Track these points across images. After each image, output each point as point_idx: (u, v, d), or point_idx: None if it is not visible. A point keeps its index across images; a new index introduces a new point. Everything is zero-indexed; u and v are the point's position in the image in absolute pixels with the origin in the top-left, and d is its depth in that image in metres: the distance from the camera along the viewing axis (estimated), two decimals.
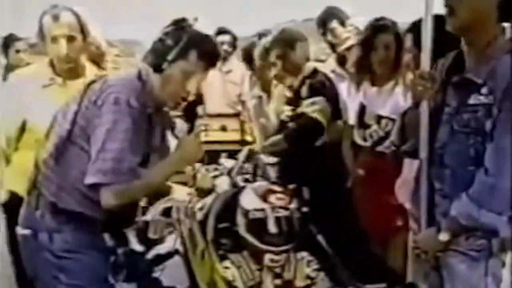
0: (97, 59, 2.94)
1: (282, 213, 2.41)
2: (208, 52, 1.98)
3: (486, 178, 1.82)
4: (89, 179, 1.92)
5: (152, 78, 1.99)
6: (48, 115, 2.13)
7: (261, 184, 2.68)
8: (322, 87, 3.05)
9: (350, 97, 3.04)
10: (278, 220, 2.40)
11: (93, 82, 2.04)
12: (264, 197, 2.45)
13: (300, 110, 3.04)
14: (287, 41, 3.16)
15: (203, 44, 1.97)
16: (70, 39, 2.59)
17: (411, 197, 2.17)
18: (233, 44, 4.82)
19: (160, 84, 1.98)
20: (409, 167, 2.31)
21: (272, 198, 2.45)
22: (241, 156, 3.08)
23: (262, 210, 2.41)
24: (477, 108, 1.84)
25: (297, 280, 2.47)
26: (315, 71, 3.17)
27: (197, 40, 1.95)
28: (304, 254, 2.51)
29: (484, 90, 1.84)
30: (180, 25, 1.97)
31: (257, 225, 2.39)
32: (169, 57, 1.92)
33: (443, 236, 1.91)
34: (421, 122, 1.99)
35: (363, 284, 2.51)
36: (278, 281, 2.45)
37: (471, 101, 1.86)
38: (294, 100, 3.17)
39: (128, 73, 2.05)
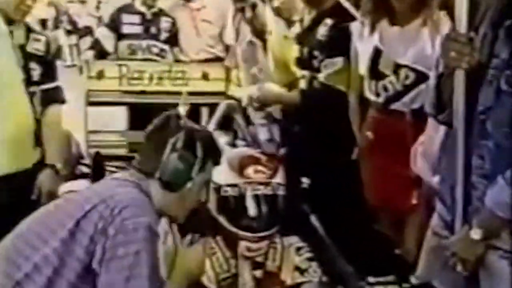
0: None
1: (262, 190, 2.10)
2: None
3: None
4: None
5: (157, 193, 1.88)
6: None
7: (237, 151, 2.36)
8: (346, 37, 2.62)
9: (363, 40, 2.62)
10: (256, 199, 2.11)
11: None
12: (240, 169, 2.14)
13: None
14: None
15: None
16: None
17: (433, 170, 2.05)
18: None
19: (174, 201, 1.90)
20: (434, 130, 2.10)
21: (250, 170, 2.12)
22: (218, 112, 2.63)
23: (236, 186, 2.10)
24: None
25: (283, 272, 2.20)
26: (337, 5, 2.75)
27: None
28: (292, 239, 2.25)
29: None
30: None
31: (231, 205, 2.12)
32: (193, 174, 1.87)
33: (475, 234, 1.73)
34: (456, 91, 1.79)
35: (366, 276, 2.13)
36: (259, 273, 2.11)
37: None
38: (301, 38, 2.78)
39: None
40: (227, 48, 4.00)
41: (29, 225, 1.81)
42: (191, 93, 3.60)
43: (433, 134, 2.14)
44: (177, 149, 1.86)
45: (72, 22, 5.56)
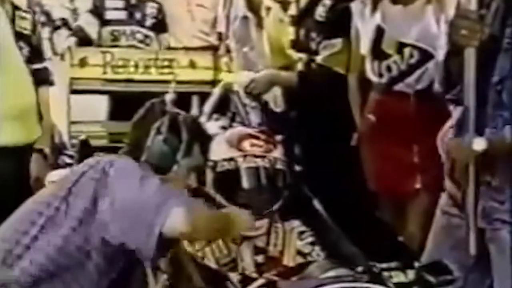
0: None
1: (259, 163, 2.03)
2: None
3: None
4: None
5: None
6: None
7: (236, 129, 2.28)
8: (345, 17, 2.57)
9: (364, 20, 2.58)
10: (254, 172, 2.05)
11: None
12: (237, 144, 2.10)
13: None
14: None
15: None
16: None
17: None
18: None
19: None
20: None
21: (246, 144, 2.08)
22: (215, 95, 2.56)
23: (233, 160, 2.04)
24: None
25: (285, 256, 2.11)
26: None
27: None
28: (295, 223, 2.17)
29: None
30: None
31: (228, 181, 2.06)
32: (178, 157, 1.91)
33: (478, 144, 1.72)
34: (467, 69, 1.77)
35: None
36: (260, 258, 2.05)
37: None
38: (298, 20, 2.72)
39: None
40: (220, 37, 3.90)
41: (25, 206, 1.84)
42: (178, 82, 3.53)
43: None
44: (161, 132, 1.91)
45: (45, 13, 5.40)
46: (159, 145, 1.90)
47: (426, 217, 2.21)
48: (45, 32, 6.64)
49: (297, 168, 2.45)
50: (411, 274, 1.96)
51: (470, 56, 1.76)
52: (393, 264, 2.14)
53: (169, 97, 2.18)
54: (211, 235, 1.90)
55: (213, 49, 3.90)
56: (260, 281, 1.63)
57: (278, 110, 2.81)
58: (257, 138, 2.11)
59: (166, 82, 3.46)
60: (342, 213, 2.35)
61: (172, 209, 1.67)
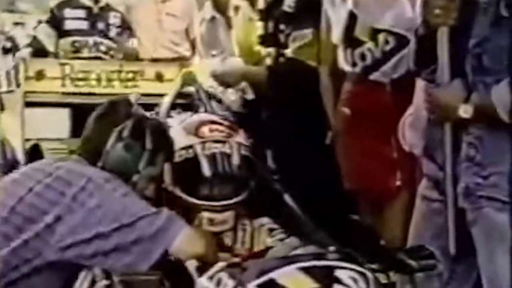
0: None
1: (220, 148, 1.91)
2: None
3: None
4: None
5: None
6: None
7: (195, 116, 2.16)
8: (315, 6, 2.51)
9: (335, 7, 2.50)
10: (215, 160, 1.91)
11: None
12: (195, 131, 1.97)
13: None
14: None
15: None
16: None
17: (422, 139, 1.98)
18: None
19: None
20: (422, 99, 2.01)
21: (205, 129, 1.96)
22: (175, 84, 2.42)
23: (191, 147, 1.92)
24: None
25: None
26: None
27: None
28: (264, 220, 2.03)
29: None
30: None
31: (187, 171, 1.92)
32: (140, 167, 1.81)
33: (465, 111, 1.71)
34: (440, 47, 1.80)
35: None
36: (227, 256, 1.91)
37: None
38: (266, 13, 2.66)
39: None
40: (193, 47, 3.84)
41: None
42: (144, 95, 3.42)
43: (421, 105, 2.04)
44: (123, 138, 1.79)
45: (11, 39, 5.30)
46: (119, 152, 1.77)
47: (408, 217, 2.11)
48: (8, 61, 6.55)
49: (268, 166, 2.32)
50: (393, 277, 1.85)
51: (443, 35, 1.77)
52: (374, 266, 2.02)
53: (134, 97, 2.05)
54: None
55: (183, 60, 3.83)
56: (220, 265, 1.46)
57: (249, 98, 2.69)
58: (218, 123, 1.98)
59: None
60: (319, 217, 2.22)
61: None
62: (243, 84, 2.63)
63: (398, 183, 2.33)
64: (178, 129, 2.01)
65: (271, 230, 1.99)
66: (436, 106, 1.80)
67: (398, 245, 2.17)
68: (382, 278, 1.81)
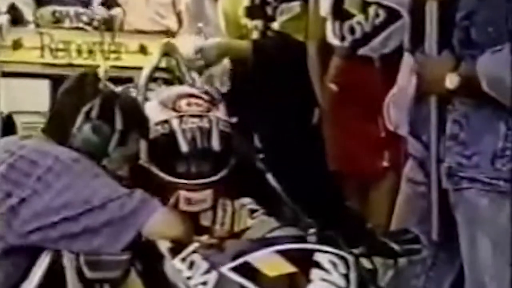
0: None
1: (197, 123, 1.83)
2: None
3: None
4: None
5: None
6: None
7: (173, 88, 2.10)
8: None
9: None
10: (193, 135, 1.84)
11: None
12: (172, 104, 1.89)
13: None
14: None
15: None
16: None
17: (408, 117, 1.91)
18: None
19: None
20: (407, 79, 1.95)
21: (182, 103, 1.87)
22: (154, 58, 2.33)
23: (167, 122, 1.84)
24: None
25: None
26: None
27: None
28: (245, 200, 1.96)
29: None
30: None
31: (163, 147, 1.84)
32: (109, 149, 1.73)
33: (451, 81, 1.68)
34: (428, 23, 1.78)
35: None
36: (204, 239, 1.81)
37: None
38: None
39: None
40: (180, 20, 3.77)
41: None
42: (127, 68, 3.32)
43: (405, 84, 1.97)
44: (91, 119, 1.69)
45: None
46: (87, 134, 1.67)
47: (395, 199, 2.06)
48: None
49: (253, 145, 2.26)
50: (377, 262, 1.81)
51: (432, 8, 1.76)
52: (358, 250, 1.98)
53: (102, 71, 1.95)
54: None
55: (169, 33, 3.73)
56: (193, 246, 1.41)
57: (224, 90, 2.61)
58: (197, 97, 1.90)
59: (116, 68, 3.29)
60: (304, 200, 2.17)
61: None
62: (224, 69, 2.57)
63: (385, 163, 2.28)
64: (155, 103, 1.93)
65: (252, 211, 1.93)
66: (423, 76, 1.76)
67: (384, 228, 2.16)
68: (366, 263, 1.78)
